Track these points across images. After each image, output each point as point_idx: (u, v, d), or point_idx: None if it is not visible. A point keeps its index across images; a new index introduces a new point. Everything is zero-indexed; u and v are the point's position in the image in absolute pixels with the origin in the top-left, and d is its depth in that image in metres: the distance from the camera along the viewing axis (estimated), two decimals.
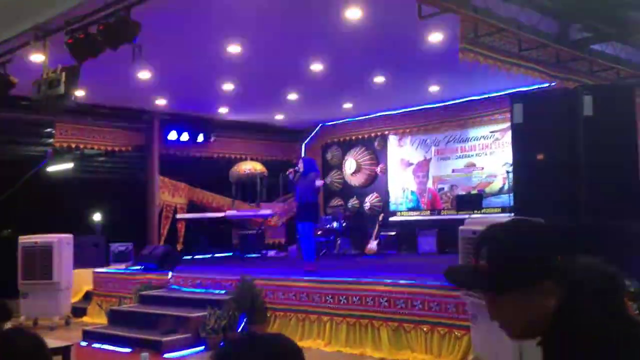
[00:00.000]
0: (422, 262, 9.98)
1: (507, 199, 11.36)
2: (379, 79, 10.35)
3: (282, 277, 7.95)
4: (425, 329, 6.10)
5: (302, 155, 14.53)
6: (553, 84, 7.77)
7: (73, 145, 11.96)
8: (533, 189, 5.66)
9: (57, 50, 6.92)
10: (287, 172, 8.96)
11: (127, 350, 7.38)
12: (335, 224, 12.60)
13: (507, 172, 11.32)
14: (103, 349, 7.65)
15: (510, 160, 11.33)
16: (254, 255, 12.75)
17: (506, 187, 11.51)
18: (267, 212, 12.97)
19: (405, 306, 6.30)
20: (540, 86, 9.05)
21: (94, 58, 6.62)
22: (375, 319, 6.54)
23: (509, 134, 11.50)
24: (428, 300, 6.12)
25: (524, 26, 6.66)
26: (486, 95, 11.67)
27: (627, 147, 5.43)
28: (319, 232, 11.77)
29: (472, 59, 6.34)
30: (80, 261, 10.60)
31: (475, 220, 5.42)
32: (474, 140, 12.31)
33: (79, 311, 10.11)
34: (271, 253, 13.11)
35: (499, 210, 11.61)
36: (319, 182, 8.68)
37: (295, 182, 8.81)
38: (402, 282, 6.55)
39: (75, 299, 10.51)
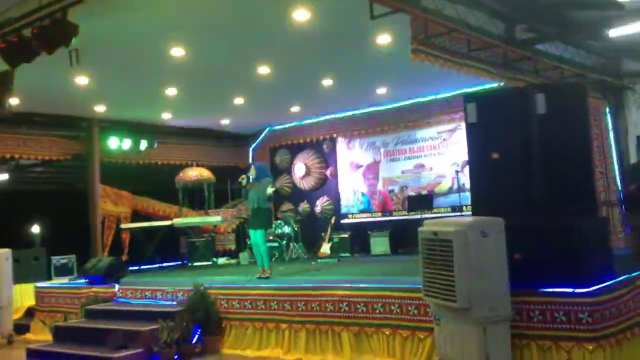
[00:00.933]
0: (376, 264, 9.95)
1: (456, 199, 11.51)
2: (327, 82, 10.28)
3: (237, 286, 7.74)
4: (387, 332, 6.04)
5: (252, 160, 14.35)
6: (500, 84, 7.85)
7: (8, 156, 11.40)
8: (489, 188, 5.65)
9: None
10: (239, 179, 8.74)
11: None
12: (286, 229, 12.44)
13: (456, 171, 11.49)
14: None
15: (458, 160, 11.62)
16: (203, 263, 12.45)
17: (455, 186, 11.65)
18: (216, 218, 12.69)
19: (366, 310, 6.22)
20: (486, 86, 9.14)
21: (28, 63, 6.28)
22: (336, 325, 6.44)
23: (457, 134, 11.80)
24: (389, 303, 6.06)
25: (472, 27, 6.69)
26: (433, 97, 11.80)
27: (581, 145, 5.50)
28: (270, 237, 11.60)
29: (423, 60, 6.32)
30: (20, 276, 10.12)
31: (433, 221, 5.37)
32: (422, 141, 12.41)
33: (21, 328, 9.65)
34: (222, 260, 12.84)
35: (449, 209, 11.74)
36: (270, 190, 8.48)
37: (247, 188, 8.61)
38: (362, 285, 6.46)
39: (17, 315, 10.02)
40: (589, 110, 5.72)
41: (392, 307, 6.03)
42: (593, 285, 5.03)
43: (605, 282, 5.20)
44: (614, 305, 5.09)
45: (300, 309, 6.77)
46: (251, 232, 8.60)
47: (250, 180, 8.60)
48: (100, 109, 11.33)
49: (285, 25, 7.26)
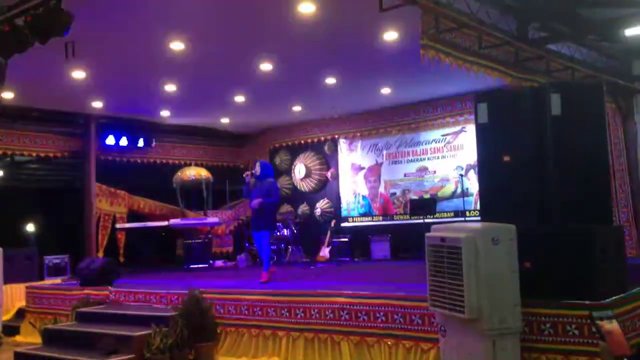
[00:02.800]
0: (377, 269, 9.66)
1: (460, 203, 11.23)
2: (330, 80, 10.02)
3: (233, 290, 7.45)
4: (389, 343, 5.75)
5: (255, 160, 14.05)
6: (509, 83, 7.58)
7: (2, 152, 11.14)
8: (499, 192, 5.39)
9: None
10: (244, 175, 8.44)
11: None
12: (285, 231, 12.17)
13: (460, 175, 11.22)
14: None
15: (462, 164, 11.36)
16: (200, 265, 12.16)
17: (459, 191, 11.38)
18: (214, 220, 12.41)
19: (368, 319, 5.93)
20: (494, 87, 8.83)
21: (21, 53, 6.01)
22: (336, 333, 6.14)
23: (461, 137, 11.54)
24: (392, 312, 5.77)
25: (484, 23, 6.43)
26: (438, 98, 11.51)
27: (598, 148, 5.22)
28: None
29: (433, 56, 6.05)
30: (12, 276, 9.83)
31: (441, 226, 5.09)
32: (426, 144, 12.15)
33: (11, 330, 9.35)
34: (218, 263, 12.56)
35: (452, 214, 11.46)
36: (270, 199, 8.18)
37: (250, 186, 8.31)
38: (363, 292, 6.17)
39: (7, 316, 9.74)
40: (606, 112, 5.43)
41: (395, 317, 5.74)
42: (607, 297, 4.74)
43: (619, 293, 4.91)
44: (628, 319, 4.82)
45: (298, 316, 6.49)
46: (254, 234, 8.30)
47: (254, 178, 8.31)
48: (97, 104, 11.08)
49: (289, 18, 7.00)
